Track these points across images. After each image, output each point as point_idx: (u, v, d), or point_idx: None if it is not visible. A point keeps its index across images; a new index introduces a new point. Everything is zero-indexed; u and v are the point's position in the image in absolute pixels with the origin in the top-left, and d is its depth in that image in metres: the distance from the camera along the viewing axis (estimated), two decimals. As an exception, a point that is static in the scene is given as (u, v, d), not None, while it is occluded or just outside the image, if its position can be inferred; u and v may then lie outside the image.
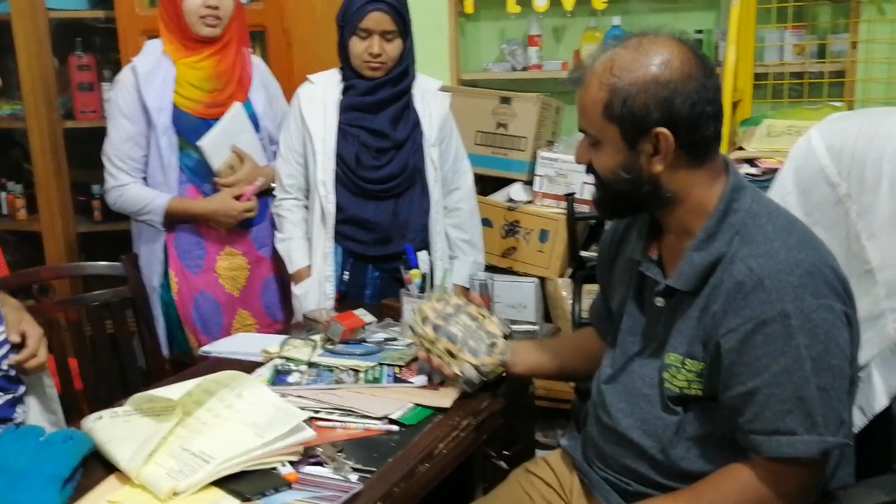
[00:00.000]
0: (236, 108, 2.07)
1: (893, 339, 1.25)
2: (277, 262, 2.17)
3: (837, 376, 1.07)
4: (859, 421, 1.25)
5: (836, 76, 2.60)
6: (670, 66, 1.10)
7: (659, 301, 1.20)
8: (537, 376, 1.64)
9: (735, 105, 2.48)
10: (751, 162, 2.21)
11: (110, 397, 1.86)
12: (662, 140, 1.12)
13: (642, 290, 1.26)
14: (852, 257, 1.30)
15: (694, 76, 1.11)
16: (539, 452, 1.62)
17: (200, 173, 2.08)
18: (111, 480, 1.15)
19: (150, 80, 2.02)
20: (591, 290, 2.42)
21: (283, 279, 2.19)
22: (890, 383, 1.25)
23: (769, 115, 2.53)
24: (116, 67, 2.32)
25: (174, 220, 2.08)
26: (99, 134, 2.13)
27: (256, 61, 2.20)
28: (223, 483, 1.11)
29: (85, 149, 2.58)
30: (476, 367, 1.38)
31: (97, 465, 1.19)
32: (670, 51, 1.12)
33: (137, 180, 2.08)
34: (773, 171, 1.92)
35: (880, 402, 1.25)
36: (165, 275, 2.12)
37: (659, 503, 1.18)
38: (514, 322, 1.85)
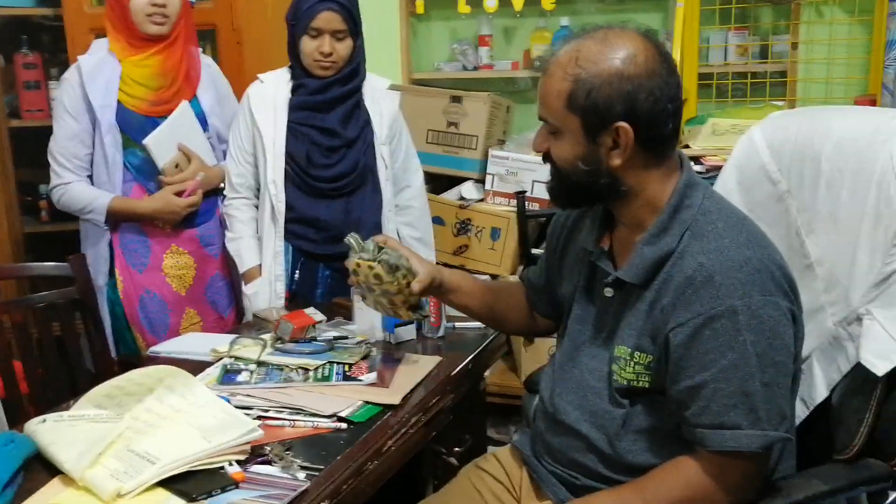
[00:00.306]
0: (183, 107, 2.06)
1: (832, 332, 1.29)
2: (224, 261, 2.16)
3: (781, 372, 1.10)
4: (801, 412, 1.29)
5: (778, 76, 2.67)
6: (635, 62, 1.11)
7: (608, 291, 1.22)
8: (447, 294, 1.49)
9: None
10: (696, 160, 2.27)
11: (57, 400, 1.82)
12: (623, 134, 1.12)
13: (592, 279, 1.28)
14: (793, 253, 1.33)
15: (658, 73, 1.12)
16: (491, 449, 1.63)
17: (146, 172, 2.06)
18: (54, 483, 1.14)
19: (94, 77, 2.00)
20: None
21: (232, 277, 2.18)
22: (829, 375, 1.28)
23: (714, 113, 2.60)
24: (64, 66, 2.29)
25: (118, 220, 2.06)
26: (46, 133, 2.10)
27: (206, 61, 2.18)
28: (169, 483, 1.10)
29: (31, 148, 2.53)
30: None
31: (40, 469, 1.18)
32: (636, 46, 1.12)
33: (82, 179, 2.06)
34: (718, 168, 1.97)
35: (820, 394, 1.29)
36: (111, 274, 2.09)
37: (604, 496, 1.19)
38: (465, 320, 1.86)
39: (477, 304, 1.49)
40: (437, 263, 2.21)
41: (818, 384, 1.29)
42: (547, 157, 1.22)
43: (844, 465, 1.20)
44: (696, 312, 1.09)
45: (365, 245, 1.40)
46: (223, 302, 2.19)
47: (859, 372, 1.21)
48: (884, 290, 1.20)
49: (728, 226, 1.14)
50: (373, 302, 1.45)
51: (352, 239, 1.42)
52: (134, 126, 2.02)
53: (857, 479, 1.18)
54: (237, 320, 2.20)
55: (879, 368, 1.17)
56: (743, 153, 1.46)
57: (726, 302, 1.08)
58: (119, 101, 2.00)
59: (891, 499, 1.19)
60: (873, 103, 2.41)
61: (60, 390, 1.86)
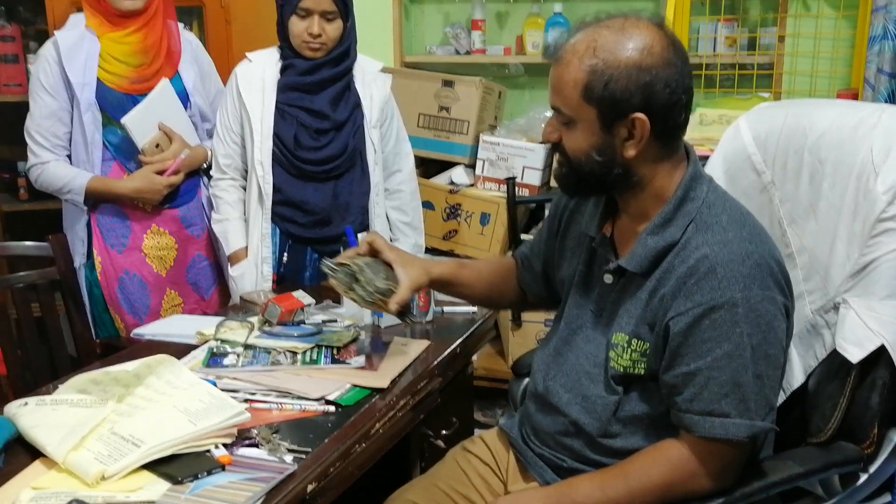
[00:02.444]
0: (163, 85, 2.02)
1: (810, 319, 1.32)
2: (208, 242, 2.14)
3: (772, 365, 1.12)
4: (779, 397, 1.31)
5: (766, 68, 2.69)
6: (652, 52, 1.10)
7: (608, 278, 1.23)
8: (439, 289, 1.53)
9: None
10: (683, 149, 2.27)
11: (37, 382, 1.80)
12: (639, 126, 1.12)
13: (591, 264, 1.29)
14: (776, 242, 1.35)
15: (673, 63, 1.11)
16: (478, 432, 1.64)
17: (125, 151, 2.03)
18: (36, 466, 1.12)
19: (72, 54, 1.95)
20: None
21: (215, 258, 2.16)
22: (806, 361, 1.32)
23: (702, 104, 2.61)
24: (43, 39, 2.23)
25: (97, 200, 2.03)
26: (24, 108, 2.05)
27: (188, 36, 2.14)
28: (154, 466, 1.09)
29: (9, 124, 2.47)
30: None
31: (21, 451, 1.16)
32: (652, 36, 1.11)
33: (60, 158, 2.01)
34: (705, 158, 1.98)
35: (797, 379, 1.32)
36: (89, 255, 2.06)
37: (587, 479, 1.21)
38: (453, 304, 1.87)
39: (470, 293, 1.49)
40: (426, 248, 2.22)
41: (795, 370, 1.32)
42: (556, 147, 1.21)
43: (819, 447, 1.23)
44: (696, 302, 1.11)
45: (338, 276, 1.38)
46: (205, 283, 2.17)
47: (835, 359, 1.24)
48: (860, 280, 1.23)
49: (732, 220, 1.15)
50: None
51: (325, 268, 1.40)
52: (113, 104, 1.98)
53: (830, 461, 1.21)
54: (221, 302, 2.18)
55: (854, 355, 1.19)
56: (729, 143, 1.48)
57: (727, 294, 1.09)
58: (98, 79, 1.96)
59: (861, 480, 1.22)
60: (855, 96, 2.44)
61: (40, 372, 1.84)
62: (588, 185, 1.22)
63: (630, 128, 1.13)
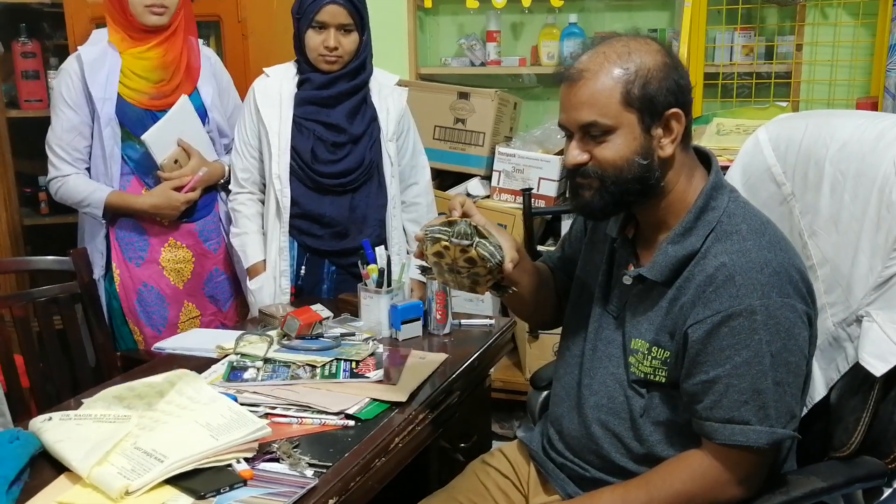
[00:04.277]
0: (183, 101, 2.04)
1: (832, 332, 1.30)
2: (225, 255, 2.16)
3: (793, 372, 1.12)
4: (802, 409, 1.30)
5: (783, 77, 2.68)
6: (663, 54, 1.16)
7: (627, 280, 1.24)
8: (519, 282, 1.36)
9: (686, 103, 2.54)
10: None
11: (59, 394, 1.82)
12: (676, 121, 1.15)
13: (612, 266, 1.30)
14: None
15: (678, 64, 1.17)
16: (496, 444, 1.64)
17: (144, 166, 2.05)
18: (61, 481, 1.13)
19: (95, 69, 1.98)
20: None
21: (232, 272, 2.17)
22: (828, 375, 1.30)
23: (719, 113, 2.60)
24: (63, 55, 2.25)
25: (115, 214, 2.05)
26: (45, 123, 2.08)
27: (207, 52, 2.16)
28: (177, 481, 1.10)
29: (31, 139, 2.50)
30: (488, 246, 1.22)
31: (46, 466, 1.17)
32: (655, 44, 1.17)
33: (80, 171, 2.04)
34: (724, 168, 1.98)
35: (819, 392, 1.31)
36: (108, 267, 2.08)
37: (610, 490, 1.20)
38: (470, 316, 1.87)
39: (530, 289, 1.38)
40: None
41: (817, 383, 1.31)
42: (574, 172, 1.19)
43: (842, 462, 1.22)
44: (715, 310, 1.11)
45: (459, 229, 1.22)
46: (223, 296, 2.18)
47: (858, 372, 1.23)
48: (883, 293, 1.22)
49: (751, 229, 1.16)
50: (452, 282, 1.29)
51: (427, 233, 1.24)
52: (133, 119, 2.01)
53: (854, 476, 1.19)
54: (239, 313, 2.19)
55: (878, 369, 1.18)
56: (748, 154, 1.48)
57: (745, 301, 1.10)
58: (119, 94, 1.99)
59: (885, 495, 1.20)
60: (875, 105, 2.42)
61: (62, 384, 1.86)
62: (623, 199, 1.18)
63: (665, 126, 1.16)
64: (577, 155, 1.18)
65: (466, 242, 1.21)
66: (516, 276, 1.30)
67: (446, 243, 1.22)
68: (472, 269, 1.24)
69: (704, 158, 1.25)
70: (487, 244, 1.22)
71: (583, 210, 1.24)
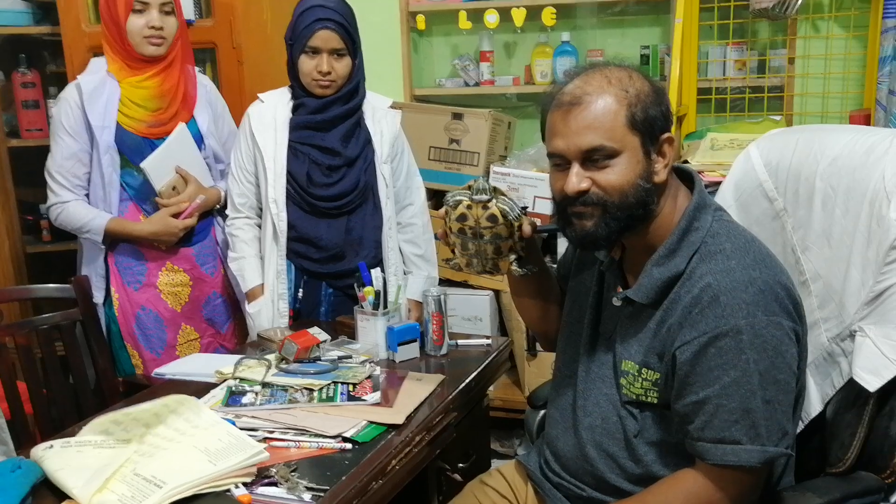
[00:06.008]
0: (180, 129, 2.07)
1: (826, 347, 1.30)
2: (222, 279, 2.18)
3: (783, 390, 1.12)
4: (797, 426, 1.30)
5: (777, 91, 2.69)
6: (649, 81, 1.18)
7: (616, 302, 1.25)
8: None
9: (680, 119, 2.56)
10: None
11: (62, 420, 1.83)
12: (668, 145, 1.17)
13: (602, 288, 1.31)
14: (789, 269, 1.33)
15: (663, 91, 1.19)
16: (496, 462, 1.64)
17: (143, 193, 2.08)
18: (61, 509, 1.14)
19: (94, 98, 2.01)
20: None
21: (229, 295, 2.19)
22: (823, 390, 1.30)
23: (712, 128, 2.61)
24: (62, 83, 2.28)
25: (114, 240, 2.08)
26: (46, 152, 2.10)
27: (203, 79, 2.19)
28: (176, 507, 1.11)
29: (31, 167, 2.52)
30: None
31: (48, 494, 1.18)
32: (633, 70, 1.18)
33: (80, 198, 2.07)
34: (717, 184, 1.98)
35: (815, 408, 1.31)
36: (107, 292, 2.10)
37: None
38: (468, 336, 1.88)
39: (544, 274, 1.40)
40: (439, 280, 2.24)
41: (813, 399, 1.31)
42: (569, 200, 1.16)
43: (838, 478, 1.22)
44: (701, 331, 1.12)
45: (478, 185, 1.28)
46: (220, 319, 2.20)
47: (852, 387, 1.23)
48: (875, 308, 1.22)
49: (735, 247, 1.16)
50: (476, 256, 1.31)
51: (450, 198, 1.30)
52: (132, 147, 2.04)
53: (850, 491, 1.19)
54: (237, 335, 2.21)
55: (871, 384, 1.19)
56: (740, 171, 1.48)
57: (731, 321, 1.10)
58: (118, 122, 2.02)
59: (881, 510, 1.20)
60: (868, 118, 2.42)
61: (65, 411, 1.87)
62: (625, 224, 1.17)
63: (660, 149, 1.17)
64: (578, 182, 1.15)
65: (486, 197, 1.28)
66: (532, 257, 1.34)
67: (468, 202, 1.29)
68: (495, 229, 1.28)
69: (688, 178, 1.25)
70: (506, 199, 1.29)
71: (584, 240, 1.20)
